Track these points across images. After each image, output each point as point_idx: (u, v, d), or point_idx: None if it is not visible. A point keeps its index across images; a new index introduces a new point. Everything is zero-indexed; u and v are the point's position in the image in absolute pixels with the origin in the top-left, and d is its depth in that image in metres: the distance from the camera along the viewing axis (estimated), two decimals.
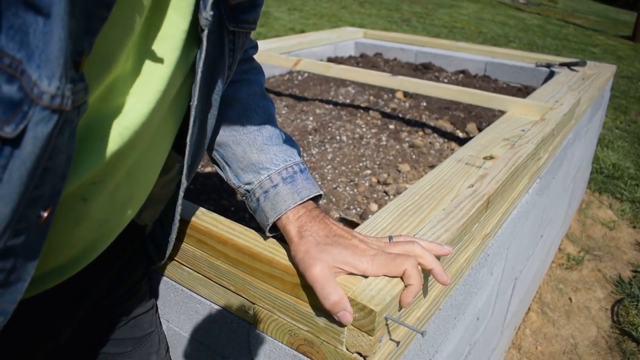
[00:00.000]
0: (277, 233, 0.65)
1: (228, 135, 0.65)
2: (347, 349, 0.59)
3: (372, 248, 0.59)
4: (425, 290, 0.68)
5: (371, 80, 1.65)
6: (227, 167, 0.66)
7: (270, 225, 0.62)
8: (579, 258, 2.01)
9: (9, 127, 0.33)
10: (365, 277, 0.59)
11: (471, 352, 1.02)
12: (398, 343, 0.62)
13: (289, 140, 0.67)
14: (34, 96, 0.33)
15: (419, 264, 0.59)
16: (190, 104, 0.51)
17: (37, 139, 0.35)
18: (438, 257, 0.63)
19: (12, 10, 0.31)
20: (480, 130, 1.58)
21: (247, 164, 0.64)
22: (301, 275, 0.59)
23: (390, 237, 0.64)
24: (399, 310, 0.60)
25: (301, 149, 1.43)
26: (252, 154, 0.63)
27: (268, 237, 0.67)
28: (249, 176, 0.64)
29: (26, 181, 0.37)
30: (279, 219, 0.61)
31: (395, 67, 2.21)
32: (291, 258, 0.60)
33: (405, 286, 0.58)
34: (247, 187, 0.64)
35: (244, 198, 0.66)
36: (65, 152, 0.39)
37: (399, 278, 0.58)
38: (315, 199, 0.64)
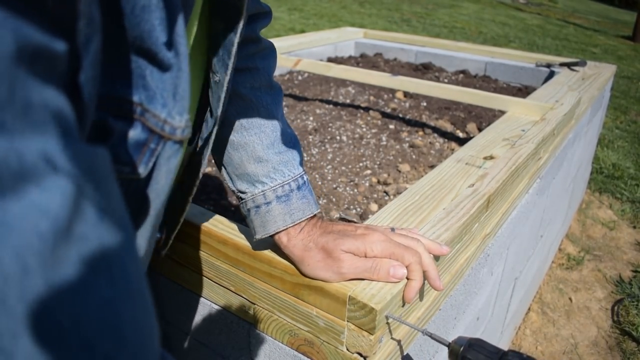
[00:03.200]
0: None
1: (225, 135, 0.60)
2: (347, 349, 0.59)
3: (378, 232, 0.58)
4: (423, 292, 0.68)
5: (371, 80, 1.65)
6: (222, 168, 0.63)
7: (258, 239, 0.61)
8: (579, 258, 2.00)
9: (140, 168, 0.36)
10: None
11: None
12: (398, 343, 0.62)
13: (292, 144, 0.62)
14: (166, 133, 0.36)
15: None
16: (217, 78, 0.48)
17: (169, 172, 0.39)
18: (437, 259, 0.63)
19: (127, 59, 0.33)
20: (480, 130, 1.58)
21: (243, 173, 0.60)
22: (303, 275, 0.59)
23: (392, 229, 0.64)
24: (402, 307, 0.60)
25: (301, 149, 1.43)
26: (249, 163, 0.59)
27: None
28: (243, 185, 0.61)
29: (159, 211, 0.40)
30: (269, 236, 0.60)
31: (396, 67, 2.21)
32: (303, 269, 0.59)
33: (407, 281, 0.58)
34: (239, 194, 0.62)
35: (238, 200, 0.64)
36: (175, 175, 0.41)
37: None
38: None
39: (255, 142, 0.59)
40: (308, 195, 0.61)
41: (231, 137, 0.60)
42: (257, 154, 0.59)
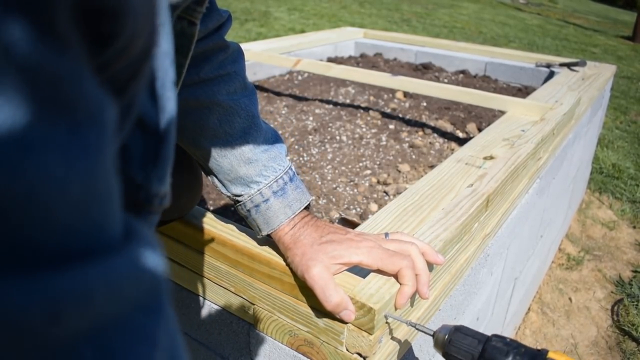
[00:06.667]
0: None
1: (210, 145, 0.61)
2: (347, 350, 0.59)
3: (369, 240, 0.59)
4: (414, 298, 0.68)
5: (371, 80, 1.65)
6: (213, 176, 0.64)
7: (263, 235, 0.62)
8: (579, 258, 2.00)
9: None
10: (364, 277, 0.59)
11: None
12: (398, 343, 0.62)
13: (274, 139, 0.63)
14: (140, 201, 0.32)
15: None
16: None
17: None
18: (430, 265, 0.63)
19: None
20: (480, 130, 1.58)
21: (235, 177, 0.61)
22: (301, 279, 0.59)
23: (386, 234, 0.64)
24: (395, 310, 0.60)
25: (301, 149, 1.43)
26: (240, 167, 0.61)
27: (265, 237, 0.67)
28: (238, 189, 0.62)
29: None
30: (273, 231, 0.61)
31: (395, 67, 2.21)
32: (288, 264, 0.61)
33: (400, 286, 0.58)
34: (236, 198, 0.63)
35: (234, 205, 0.65)
36: None
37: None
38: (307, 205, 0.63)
39: (242, 145, 0.60)
40: (300, 184, 0.63)
41: (218, 145, 0.60)
42: (246, 156, 0.60)
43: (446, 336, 0.53)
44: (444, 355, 0.53)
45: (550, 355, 0.47)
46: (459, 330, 0.53)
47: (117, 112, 0.21)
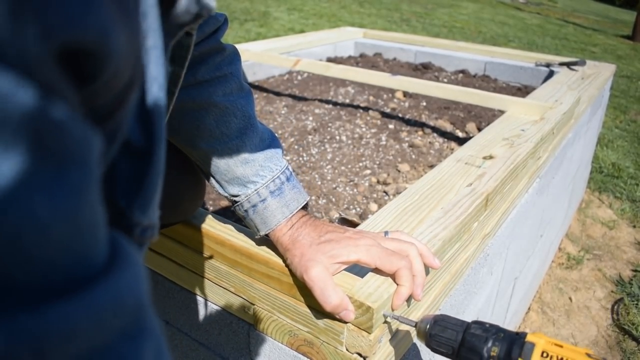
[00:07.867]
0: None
1: (207, 145, 0.61)
2: (347, 350, 0.59)
3: (367, 238, 0.58)
4: (410, 300, 0.68)
5: (371, 80, 1.65)
6: (210, 177, 0.63)
7: (262, 235, 0.62)
8: (579, 257, 2.00)
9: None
10: (362, 276, 0.59)
11: None
12: (398, 343, 0.61)
13: (270, 139, 0.64)
14: (121, 229, 0.31)
15: None
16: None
17: None
18: (427, 268, 0.63)
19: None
20: (479, 129, 1.58)
21: (232, 177, 0.61)
22: (300, 280, 0.59)
23: (386, 232, 0.64)
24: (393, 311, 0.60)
25: (301, 149, 1.43)
26: (237, 167, 0.61)
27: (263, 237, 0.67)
28: (235, 189, 0.62)
29: None
30: (270, 231, 0.61)
31: (395, 67, 2.21)
32: (287, 265, 0.61)
33: (397, 287, 0.58)
34: (233, 198, 0.62)
35: (232, 206, 0.64)
36: None
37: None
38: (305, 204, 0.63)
39: (238, 145, 0.60)
40: (297, 184, 0.63)
41: (214, 146, 0.61)
42: (243, 156, 0.60)
43: (427, 326, 0.53)
44: (427, 346, 0.53)
45: (529, 337, 0.47)
46: (440, 320, 0.53)
47: (103, 140, 0.21)
